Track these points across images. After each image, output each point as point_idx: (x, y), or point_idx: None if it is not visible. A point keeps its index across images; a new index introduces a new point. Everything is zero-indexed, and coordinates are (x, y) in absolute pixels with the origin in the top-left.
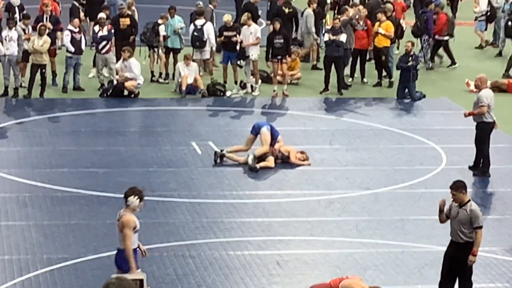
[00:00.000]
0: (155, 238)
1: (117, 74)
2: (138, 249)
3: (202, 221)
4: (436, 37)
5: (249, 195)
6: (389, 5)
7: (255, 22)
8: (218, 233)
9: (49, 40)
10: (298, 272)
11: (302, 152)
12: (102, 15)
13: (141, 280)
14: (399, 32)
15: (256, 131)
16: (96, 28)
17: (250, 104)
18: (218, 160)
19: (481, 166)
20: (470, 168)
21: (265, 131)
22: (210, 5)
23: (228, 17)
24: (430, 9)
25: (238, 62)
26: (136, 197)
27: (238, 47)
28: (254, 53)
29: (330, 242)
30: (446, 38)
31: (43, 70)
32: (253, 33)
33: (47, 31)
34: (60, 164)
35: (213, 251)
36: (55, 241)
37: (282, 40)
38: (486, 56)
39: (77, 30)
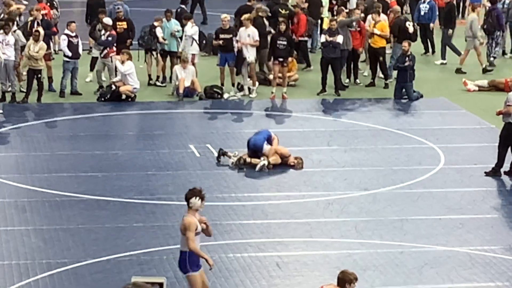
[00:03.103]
0: (154, 241)
1: (115, 73)
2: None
3: None
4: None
5: (247, 197)
6: (396, 7)
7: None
8: (217, 236)
9: (45, 46)
10: (298, 274)
11: (295, 158)
12: (107, 20)
13: (161, 284)
14: (407, 35)
15: (253, 147)
16: (102, 32)
17: (247, 107)
18: (221, 158)
19: (494, 165)
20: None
21: (268, 148)
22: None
23: (225, 16)
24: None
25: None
26: (198, 198)
27: (235, 51)
28: (251, 55)
29: (329, 243)
30: (306, 39)
31: (39, 75)
32: (251, 35)
33: (41, 36)
34: (58, 168)
35: (212, 253)
36: (55, 246)
37: (285, 42)
38: (483, 55)
39: (74, 34)
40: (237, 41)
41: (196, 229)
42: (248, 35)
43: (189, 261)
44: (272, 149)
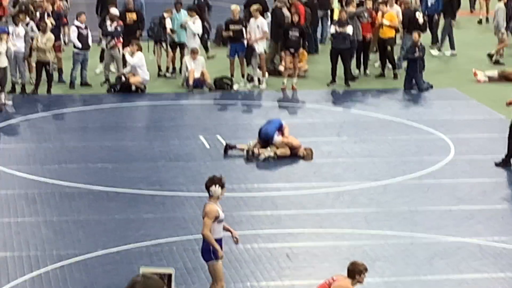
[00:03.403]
0: (164, 232)
1: (124, 65)
2: (230, 235)
3: None
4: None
5: (257, 188)
6: None
7: (264, 14)
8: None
9: (52, 37)
10: (308, 265)
11: (305, 149)
12: (115, 11)
13: (170, 275)
14: (416, 25)
15: (265, 137)
16: (108, 22)
17: (257, 97)
18: (228, 151)
19: (504, 156)
20: None
21: (279, 139)
22: None
23: (235, 7)
24: None
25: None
26: (217, 185)
27: (245, 42)
28: (260, 46)
29: (340, 234)
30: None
31: (48, 67)
32: (260, 27)
33: (48, 28)
34: (68, 160)
35: (222, 244)
36: (65, 237)
37: (298, 33)
38: (493, 46)
39: (83, 25)
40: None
41: (218, 217)
42: (257, 26)
43: (213, 249)
44: (283, 141)
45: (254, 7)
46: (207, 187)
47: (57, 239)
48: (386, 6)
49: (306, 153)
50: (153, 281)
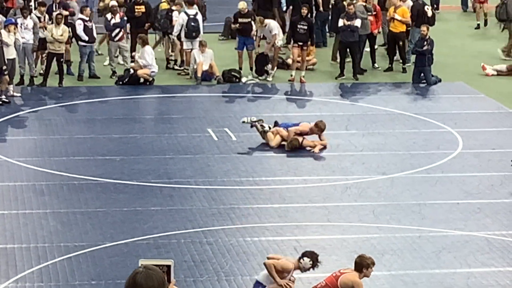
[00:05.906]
0: (172, 225)
1: (132, 61)
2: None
3: (219, 207)
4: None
5: (265, 181)
6: None
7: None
8: (235, 220)
9: (67, 29)
10: None
11: (290, 140)
12: (113, 2)
13: (169, 266)
14: (425, 19)
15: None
16: (109, 16)
17: (265, 90)
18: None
19: None
20: None
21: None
22: None
23: (243, 5)
24: None
25: (267, 69)
26: (311, 261)
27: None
28: (279, 40)
29: (347, 227)
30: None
31: (61, 60)
32: (271, 31)
33: (62, 20)
34: (76, 152)
35: (230, 237)
36: (72, 229)
37: (306, 27)
38: (502, 40)
39: (88, 19)
40: (256, 31)
41: (283, 274)
42: (270, 31)
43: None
44: (277, 129)
45: (258, 23)
46: (303, 255)
47: (64, 231)
48: (400, 0)
49: (289, 140)
50: (155, 273)
